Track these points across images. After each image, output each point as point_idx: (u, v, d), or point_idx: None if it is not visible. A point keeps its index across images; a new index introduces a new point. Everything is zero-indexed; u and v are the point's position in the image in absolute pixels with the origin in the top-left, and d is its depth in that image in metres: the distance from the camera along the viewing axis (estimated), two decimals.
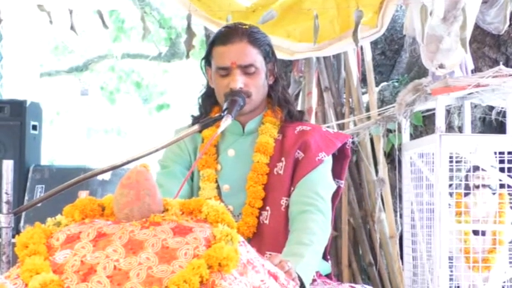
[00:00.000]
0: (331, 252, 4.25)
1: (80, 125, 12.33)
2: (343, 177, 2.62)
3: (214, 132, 2.31)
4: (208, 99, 2.58)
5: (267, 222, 2.42)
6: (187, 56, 4.01)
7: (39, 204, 2.15)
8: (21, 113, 4.84)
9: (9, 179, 2.04)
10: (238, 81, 2.42)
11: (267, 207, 2.43)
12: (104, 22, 4.08)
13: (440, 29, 3.64)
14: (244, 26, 2.50)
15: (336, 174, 2.56)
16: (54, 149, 10.85)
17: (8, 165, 2.03)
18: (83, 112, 12.28)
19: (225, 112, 2.32)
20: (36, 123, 4.93)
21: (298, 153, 2.46)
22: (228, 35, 2.47)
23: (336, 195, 2.53)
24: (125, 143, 12.17)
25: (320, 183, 2.42)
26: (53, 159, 10.49)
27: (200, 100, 2.61)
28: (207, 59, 2.54)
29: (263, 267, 1.75)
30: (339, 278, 4.22)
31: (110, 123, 12.31)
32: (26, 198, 4.69)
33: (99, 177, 4.53)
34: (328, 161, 2.47)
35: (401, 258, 4.14)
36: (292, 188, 2.43)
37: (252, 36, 2.47)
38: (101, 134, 12.40)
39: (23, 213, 4.42)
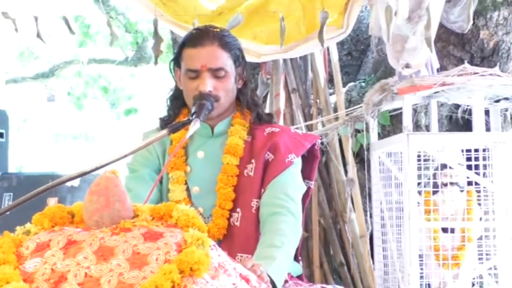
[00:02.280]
0: (302, 253, 4.26)
1: (48, 131, 12.25)
2: (313, 178, 2.63)
3: (183, 137, 2.31)
4: (177, 101, 2.57)
5: (237, 224, 2.42)
6: (156, 62, 3.98)
7: (7, 213, 2.13)
8: None
9: None
10: (208, 84, 2.42)
11: (238, 209, 2.43)
12: (70, 28, 4.03)
13: (406, 29, 3.66)
14: (215, 29, 2.49)
15: (306, 175, 2.57)
16: (22, 156, 10.77)
17: None
18: (50, 118, 12.21)
19: (194, 116, 2.31)
20: (2, 130, 4.90)
21: (268, 154, 2.46)
22: (199, 37, 2.47)
23: (306, 196, 2.54)
24: (94, 148, 12.11)
25: (290, 184, 2.42)
26: (20, 166, 10.41)
27: (168, 102, 2.60)
28: (177, 60, 2.53)
29: (235, 271, 1.75)
30: (311, 279, 4.23)
31: (78, 128, 12.24)
32: None
33: (68, 184, 4.50)
34: (297, 162, 2.48)
35: (372, 257, 4.16)
36: (262, 190, 2.43)
37: (223, 39, 2.47)
38: (69, 139, 12.33)
39: None
